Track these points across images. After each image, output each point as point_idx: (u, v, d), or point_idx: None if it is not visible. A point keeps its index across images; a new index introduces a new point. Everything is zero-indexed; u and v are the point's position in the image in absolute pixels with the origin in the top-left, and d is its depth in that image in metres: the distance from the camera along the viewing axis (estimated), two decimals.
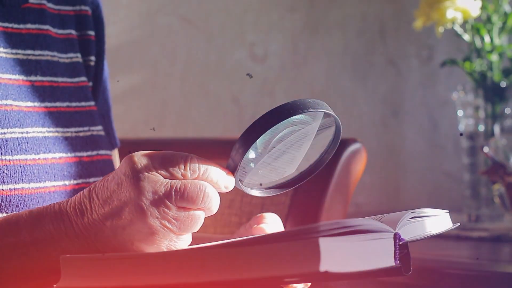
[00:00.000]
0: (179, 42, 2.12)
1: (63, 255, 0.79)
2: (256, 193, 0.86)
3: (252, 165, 0.84)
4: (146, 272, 0.77)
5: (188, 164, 0.81)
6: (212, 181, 0.82)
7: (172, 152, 0.81)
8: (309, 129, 0.84)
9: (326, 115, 0.83)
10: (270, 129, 0.80)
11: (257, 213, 1.03)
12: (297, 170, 0.86)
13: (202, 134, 2.12)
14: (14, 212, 0.91)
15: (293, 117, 0.80)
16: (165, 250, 0.81)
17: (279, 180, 0.87)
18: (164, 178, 0.80)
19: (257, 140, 0.81)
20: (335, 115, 0.83)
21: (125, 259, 0.78)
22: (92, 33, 1.12)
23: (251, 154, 0.83)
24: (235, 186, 0.84)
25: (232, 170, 0.83)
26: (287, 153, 0.84)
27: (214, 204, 0.81)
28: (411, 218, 0.82)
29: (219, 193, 0.82)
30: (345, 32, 2.34)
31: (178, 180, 0.80)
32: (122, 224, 0.81)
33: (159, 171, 0.80)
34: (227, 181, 0.83)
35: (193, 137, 1.84)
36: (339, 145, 0.86)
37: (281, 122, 0.80)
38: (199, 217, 0.81)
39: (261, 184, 0.86)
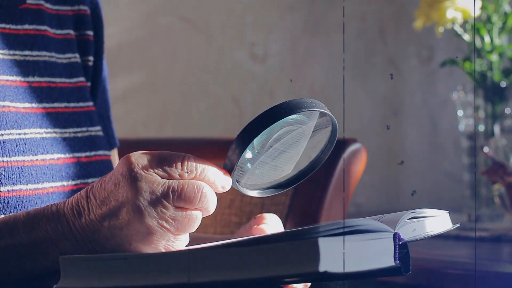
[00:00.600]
0: (179, 42, 2.12)
1: (63, 255, 0.79)
2: (253, 193, 0.86)
3: (249, 165, 0.83)
4: (146, 272, 0.77)
5: (186, 164, 0.81)
6: (209, 181, 0.81)
7: (169, 152, 0.81)
8: (305, 128, 0.83)
9: (322, 114, 0.83)
10: (267, 129, 0.80)
11: (257, 213, 1.03)
12: (294, 169, 0.86)
13: (202, 134, 2.12)
14: (12, 214, 0.91)
15: (289, 116, 0.80)
16: (163, 250, 0.81)
17: (277, 180, 0.86)
18: (162, 178, 0.80)
19: (254, 140, 0.81)
20: (331, 115, 0.83)
21: (124, 259, 0.78)
22: (90, 33, 1.12)
23: (248, 154, 0.83)
24: (232, 186, 0.84)
25: (229, 170, 0.83)
26: (284, 152, 0.84)
27: (211, 204, 0.81)
28: (410, 218, 0.82)
29: (217, 193, 0.82)
30: (345, 32, 2.34)
31: (175, 180, 0.80)
32: (119, 224, 0.80)
33: (157, 171, 0.80)
34: (224, 181, 0.83)
35: (193, 137, 1.83)
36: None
37: (278, 122, 0.80)
38: (196, 217, 0.81)
39: (258, 184, 0.86)
